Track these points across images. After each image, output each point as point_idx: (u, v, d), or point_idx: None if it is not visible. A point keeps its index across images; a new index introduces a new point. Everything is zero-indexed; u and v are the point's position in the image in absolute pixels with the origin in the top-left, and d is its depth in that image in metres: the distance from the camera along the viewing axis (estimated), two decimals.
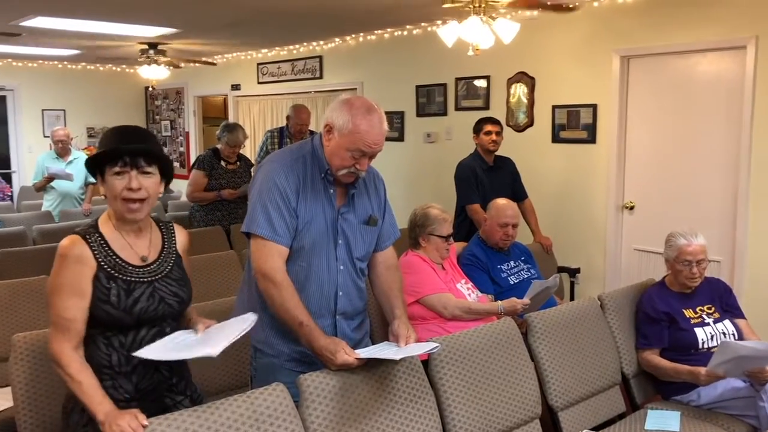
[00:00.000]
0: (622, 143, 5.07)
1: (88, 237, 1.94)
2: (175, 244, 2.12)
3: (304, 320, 2.12)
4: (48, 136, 7.73)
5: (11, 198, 9.20)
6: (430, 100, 6.46)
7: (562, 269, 4.67)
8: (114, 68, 9.85)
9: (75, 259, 1.90)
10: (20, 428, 2.36)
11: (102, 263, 1.93)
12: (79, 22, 6.02)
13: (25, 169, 8.97)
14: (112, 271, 1.94)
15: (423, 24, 6.23)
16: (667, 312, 3.07)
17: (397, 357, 2.09)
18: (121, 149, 1.91)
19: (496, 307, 3.27)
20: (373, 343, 2.44)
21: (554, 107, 5.44)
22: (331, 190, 2.26)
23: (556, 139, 5.46)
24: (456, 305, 3.21)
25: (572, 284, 4.83)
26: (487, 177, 4.66)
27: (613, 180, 5.10)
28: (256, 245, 2.20)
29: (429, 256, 3.35)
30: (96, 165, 1.94)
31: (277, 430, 1.91)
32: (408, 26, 6.39)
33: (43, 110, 9.41)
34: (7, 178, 9.75)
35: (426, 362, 2.38)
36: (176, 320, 2.08)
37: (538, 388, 2.67)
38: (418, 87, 6.53)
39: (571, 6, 4.73)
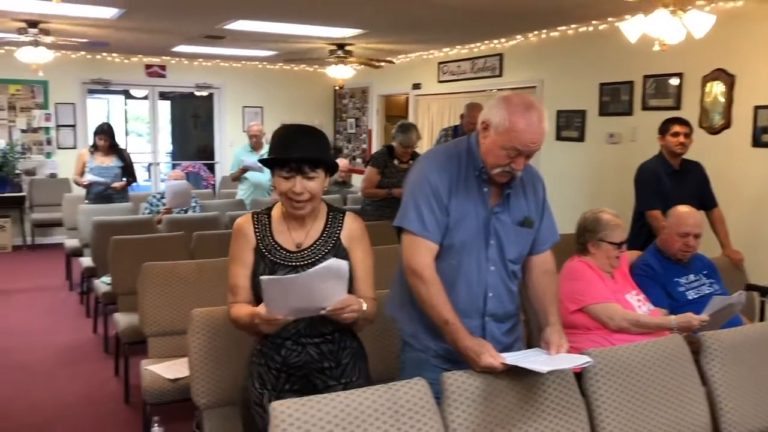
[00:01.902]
0: None
1: (257, 216, 2.19)
2: (338, 233, 2.17)
3: (450, 319, 2.10)
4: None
5: (213, 187, 10.15)
6: (614, 99, 6.12)
7: (751, 287, 4.18)
8: (306, 68, 10.47)
9: (241, 234, 2.16)
10: (194, 396, 2.60)
11: (259, 242, 2.15)
12: (275, 25, 6.48)
13: (226, 161, 9.78)
14: (264, 251, 2.13)
15: (610, 19, 5.92)
16: None
17: (544, 370, 1.98)
18: (288, 159, 2.02)
19: (668, 321, 3.02)
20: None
21: (756, 108, 4.91)
22: (485, 189, 2.22)
23: (757, 143, 4.93)
24: (623, 317, 3.01)
25: (763, 304, 4.32)
26: (672, 182, 4.31)
27: None
28: (407, 240, 2.22)
29: (597, 263, 3.18)
30: (268, 163, 2.11)
31: (417, 425, 1.91)
32: (594, 21, 6.11)
33: (243, 107, 10.25)
34: (211, 169, 10.77)
35: (579, 374, 2.26)
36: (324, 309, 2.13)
37: (708, 415, 2.43)
38: (602, 85, 6.21)
39: None
